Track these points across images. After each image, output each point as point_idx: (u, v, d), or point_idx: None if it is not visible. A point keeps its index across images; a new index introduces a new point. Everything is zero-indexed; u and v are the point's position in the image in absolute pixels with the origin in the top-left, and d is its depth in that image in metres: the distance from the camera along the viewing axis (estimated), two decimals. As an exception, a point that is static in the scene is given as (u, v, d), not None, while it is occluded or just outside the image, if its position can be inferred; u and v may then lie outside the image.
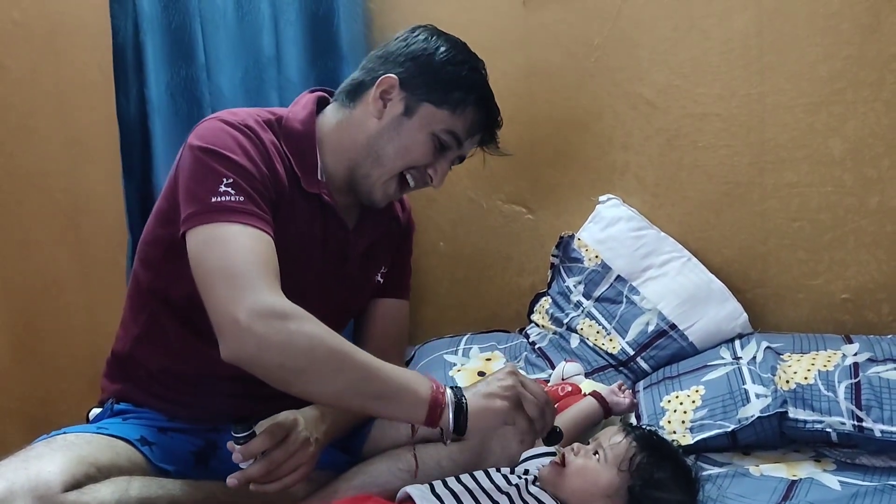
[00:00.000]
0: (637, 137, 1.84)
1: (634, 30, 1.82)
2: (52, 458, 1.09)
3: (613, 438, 1.20)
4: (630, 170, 1.86)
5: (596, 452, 1.19)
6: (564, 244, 1.86)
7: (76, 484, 1.07)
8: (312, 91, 1.40)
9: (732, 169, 1.78)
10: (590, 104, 1.87)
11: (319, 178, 1.31)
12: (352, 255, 1.37)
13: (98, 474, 1.11)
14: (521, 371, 1.17)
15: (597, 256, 1.80)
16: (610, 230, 1.81)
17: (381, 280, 1.46)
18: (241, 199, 1.17)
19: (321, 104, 1.37)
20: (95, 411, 1.38)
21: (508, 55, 1.91)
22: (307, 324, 1.09)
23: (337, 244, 1.35)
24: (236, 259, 1.12)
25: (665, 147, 1.82)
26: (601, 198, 1.86)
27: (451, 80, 1.29)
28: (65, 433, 1.22)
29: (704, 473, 1.34)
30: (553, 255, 1.89)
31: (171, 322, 1.31)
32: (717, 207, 1.81)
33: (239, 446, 1.10)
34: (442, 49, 1.31)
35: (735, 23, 1.75)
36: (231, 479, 1.11)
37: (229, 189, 1.17)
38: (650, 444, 1.20)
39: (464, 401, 1.10)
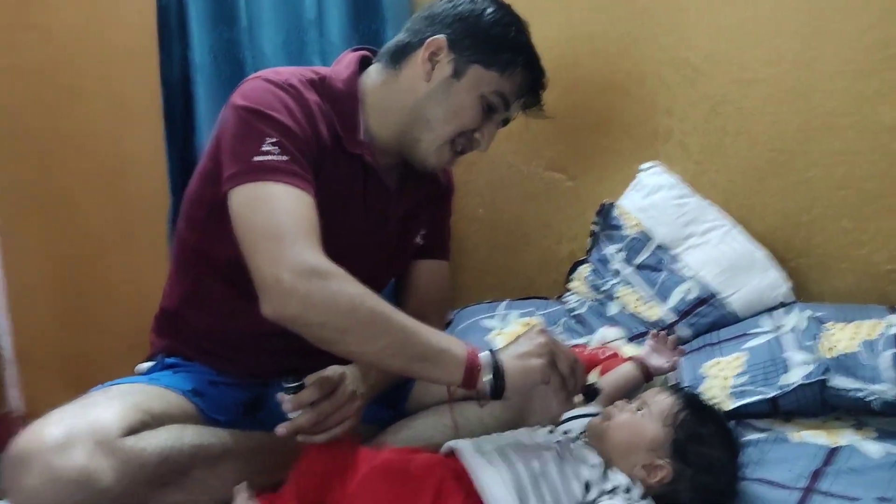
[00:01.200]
0: (681, 103, 1.82)
1: (683, -8, 1.79)
2: (109, 405, 1.12)
3: (658, 395, 1.22)
4: (673, 136, 1.84)
5: (640, 409, 1.21)
6: (605, 212, 1.86)
7: (132, 430, 1.10)
8: (355, 50, 1.39)
9: (778, 136, 1.76)
10: (633, 69, 1.85)
11: (361, 138, 1.31)
12: (392, 216, 1.38)
13: (153, 422, 1.15)
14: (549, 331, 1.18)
15: (638, 224, 1.79)
16: (652, 198, 1.80)
17: (421, 241, 1.47)
18: (285, 158, 1.17)
19: (364, 64, 1.37)
20: (143, 366, 1.41)
21: (550, 18, 1.89)
22: (349, 284, 1.10)
23: (378, 205, 1.35)
24: (279, 219, 1.13)
25: (710, 113, 1.80)
26: (643, 165, 1.84)
27: (499, 41, 1.29)
28: (118, 383, 1.25)
29: (745, 438, 1.34)
30: (593, 223, 1.88)
31: (215, 282, 1.33)
32: (761, 175, 1.79)
33: (288, 397, 1.13)
34: (489, 10, 1.30)
35: (784, -13, 1.72)
36: (280, 428, 1.13)
37: (272, 148, 1.17)
38: (694, 402, 1.22)
39: (500, 363, 1.11)
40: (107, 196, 2.39)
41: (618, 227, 1.82)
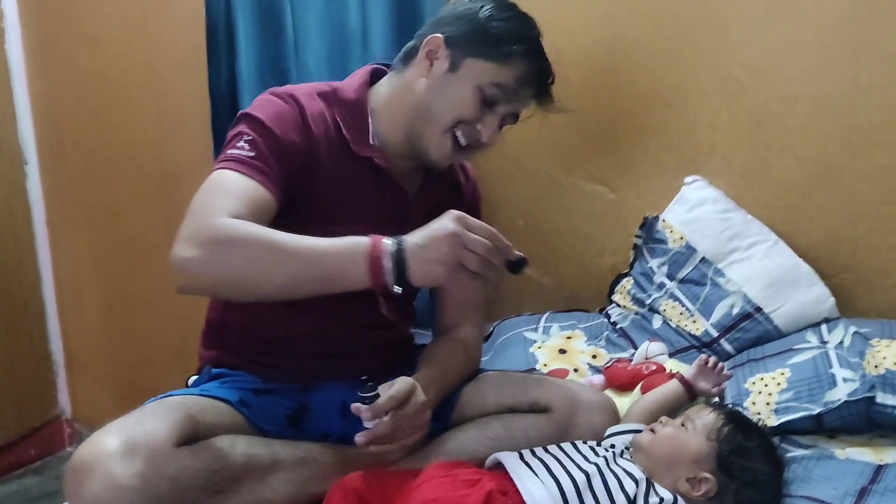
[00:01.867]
0: (724, 117, 1.82)
1: (725, 8, 1.78)
2: (164, 415, 1.15)
3: (702, 412, 1.23)
4: (716, 150, 1.84)
5: (683, 424, 1.22)
6: (648, 225, 1.86)
7: (186, 440, 1.13)
8: (372, 65, 1.46)
9: (823, 151, 1.75)
10: (676, 82, 1.85)
11: (371, 142, 1.36)
12: (412, 220, 1.38)
13: (205, 432, 1.18)
14: (462, 217, 1.11)
15: (682, 238, 1.79)
16: (695, 212, 1.79)
17: None
18: (251, 154, 1.24)
19: (378, 76, 1.43)
20: (193, 378, 1.45)
21: (593, 30, 1.91)
22: (241, 231, 1.14)
23: (395, 208, 1.38)
24: (211, 199, 1.20)
25: (753, 128, 1.80)
26: (687, 179, 1.84)
27: (496, 33, 1.31)
28: (171, 395, 1.29)
29: (789, 455, 1.34)
30: (636, 236, 1.88)
31: None
32: (805, 190, 1.78)
33: (365, 406, 1.14)
34: (486, 7, 1.34)
35: (829, 1, 1.71)
36: (360, 437, 1.15)
37: (245, 144, 1.25)
38: (738, 417, 1.23)
39: (404, 255, 1.10)
40: (154, 205, 2.44)
41: (661, 241, 1.82)
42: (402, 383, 1.19)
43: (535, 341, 1.78)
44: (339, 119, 1.35)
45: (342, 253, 1.13)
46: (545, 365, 1.68)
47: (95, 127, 2.50)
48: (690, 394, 1.41)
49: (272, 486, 1.19)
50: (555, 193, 2.02)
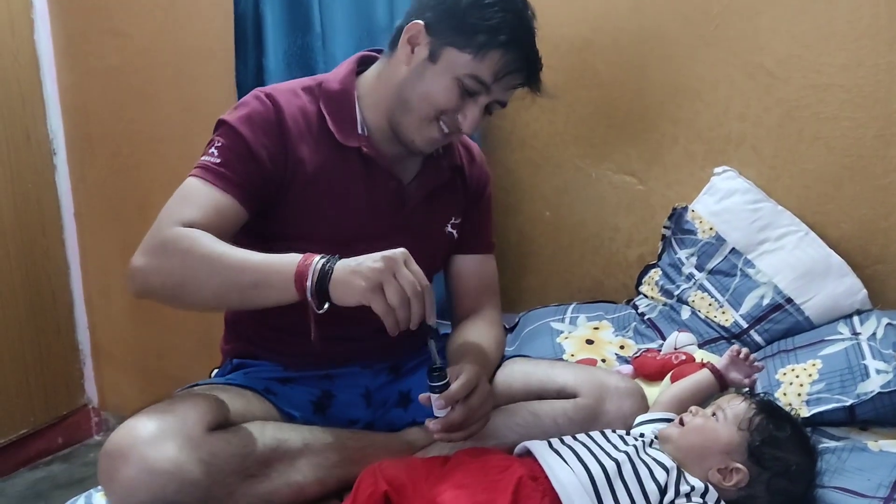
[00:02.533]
0: (755, 108, 1.81)
1: (757, -1, 1.78)
2: (194, 403, 1.16)
3: (733, 401, 1.21)
4: (747, 141, 1.83)
5: (714, 413, 1.20)
6: (677, 216, 1.84)
7: (217, 426, 1.14)
8: (362, 52, 1.44)
9: (856, 141, 1.73)
10: (705, 73, 1.84)
11: (360, 132, 1.34)
12: (410, 202, 1.39)
13: (235, 418, 1.20)
14: (409, 257, 1.12)
15: (711, 229, 1.78)
16: (725, 202, 1.78)
17: (456, 234, 1.47)
18: (218, 160, 1.25)
19: (368, 63, 1.41)
20: (216, 371, 1.47)
21: (621, 22, 1.90)
22: (184, 241, 1.16)
23: (387, 194, 1.37)
24: (171, 207, 1.22)
25: (784, 118, 1.78)
26: (716, 169, 1.83)
27: (475, 23, 1.26)
28: (199, 385, 1.30)
29: (821, 446, 1.32)
30: (665, 227, 1.87)
31: None
32: (837, 181, 1.76)
33: (436, 395, 1.15)
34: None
35: (862, -10, 1.69)
36: (433, 425, 1.17)
37: (214, 151, 1.26)
38: (769, 406, 1.21)
39: (330, 270, 1.10)
40: (180, 198, 2.45)
41: (690, 232, 1.81)
42: (469, 372, 1.20)
43: (561, 332, 1.77)
44: (324, 111, 1.33)
45: (273, 265, 1.14)
46: (572, 355, 1.68)
47: (123, 120, 2.52)
48: (721, 384, 1.39)
49: (302, 471, 1.20)
50: (582, 184, 2.01)
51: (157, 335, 2.63)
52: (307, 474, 1.20)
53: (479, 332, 1.43)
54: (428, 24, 1.29)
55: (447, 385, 1.15)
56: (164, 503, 1.06)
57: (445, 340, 1.45)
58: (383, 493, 1.13)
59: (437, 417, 1.17)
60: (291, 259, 1.12)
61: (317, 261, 1.11)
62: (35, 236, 2.51)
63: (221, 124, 1.29)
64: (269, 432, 1.20)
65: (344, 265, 1.10)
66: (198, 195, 1.23)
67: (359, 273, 1.08)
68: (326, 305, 1.10)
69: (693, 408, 1.24)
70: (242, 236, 1.30)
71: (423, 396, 1.17)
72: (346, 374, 1.41)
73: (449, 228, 1.47)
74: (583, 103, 1.96)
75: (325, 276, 1.10)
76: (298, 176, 1.30)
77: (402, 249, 1.11)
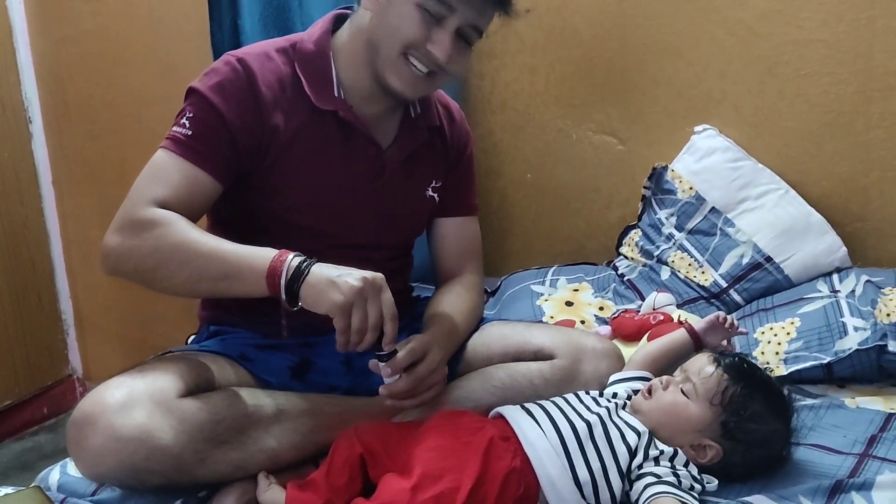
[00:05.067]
0: (735, 65, 1.78)
1: (735, -47, 1.75)
2: (165, 369, 1.15)
3: (704, 371, 1.16)
4: (727, 99, 1.81)
5: (684, 384, 1.16)
6: (657, 176, 1.83)
7: (189, 392, 1.13)
8: (336, 10, 1.39)
9: (837, 98, 1.71)
10: (685, 30, 1.82)
11: (336, 94, 1.31)
12: (388, 167, 1.36)
13: (208, 385, 1.18)
14: (384, 284, 1.12)
15: (691, 188, 1.77)
16: (705, 161, 1.77)
17: (437, 197, 1.45)
18: (189, 133, 1.22)
19: (343, 21, 1.36)
20: (192, 338, 1.45)
21: (601, -22, 1.87)
22: (160, 227, 1.15)
23: (366, 159, 1.34)
24: (140, 183, 1.21)
25: (765, 75, 1.76)
26: (697, 128, 1.81)
27: None
28: (171, 352, 1.29)
29: (799, 404, 1.32)
30: (645, 187, 1.86)
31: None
32: (817, 138, 1.75)
33: (384, 364, 1.16)
34: None
35: (844, -57, 1.67)
36: (382, 389, 1.18)
37: (186, 122, 1.23)
38: (742, 374, 1.15)
39: (306, 271, 1.09)
40: (159, 164, 2.42)
41: (670, 192, 1.80)
42: (417, 341, 1.20)
43: (542, 294, 1.76)
44: (300, 73, 1.29)
45: (246, 259, 1.13)
46: (552, 317, 1.67)
47: (99, 85, 2.48)
48: (697, 345, 1.37)
49: (277, 437, 1.19)
50: (563, 146, 1.99)
51: (140, 304, 2.61)
52: (282, 440, 1.19)
53: (452, 299, 1.42)
54: None
55: (394, 353, 1.15)
56: (134, 470, 1.05)
57: (425, 305, 1.45)
58: (359, 455, 1.13)
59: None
60: (265, 254, 1.12)
61: (290, 259, 1.10)
62: (13, 206, 2.48)
63: (192, 93, 1.25)
64: (242, 398, 1.18)
65: (322, 273, 1.09)
66: (170, 170, 1.20)
67: (336, 287, 1.07)
68: (300, 305, 1.11)
69: (663, 378, 1.19)
70: (221, 205, 1.29)
71: (372, 363, 1.17)
72: (326, 342, 1.39)
73: (430, 192, 1.45)
74: (563, 63, 1.94)
75: (298, 276, 1.09)
76: (273, 145, 1.27)
77: (380, 275, 1.11)
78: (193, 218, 1.21)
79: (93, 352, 2.71)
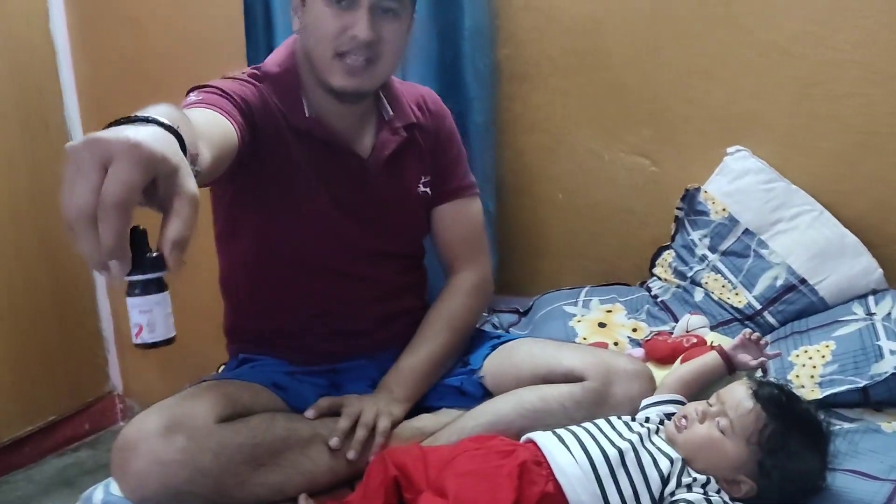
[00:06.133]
0: (768, 86, 1.78)
1: (767, -25, 1.74)
2: (203, 396, 1.18)
3: (741, 406, 1.13)
4: (760, 120, 1.80)
5: (718, 416, 1.14)
6: (690, 197, 1.83)
7: (227, 418, 1.16)
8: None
9: (871, 118, 1.70)
10: (717, 52, 1.82)
11: (307, 115, 1.33)
12: (371, 175, 1.38)
13: (244, 411, 1.21)
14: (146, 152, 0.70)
15: (724, 209, 1.76)
16: (738, 182, 1.76)
17: (429, 190, 1.47)
18: (202, 96, 1.17)
19: None
20: (223, 367, 1.50)
21: (631, 3, 1.87)
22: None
23: (348, 172, 1.37)
24: None
25: (798, 96, 1.76)
26: (729, 149, 1.81)
27: None
28: (207, 380, 1.32)
29: (834, 428, 1.31)
30: (678, 208, 1.86)
31: (244, 269, 1.43)
32: (852, 159, 1.73)
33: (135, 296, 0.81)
34: None
35: (877, -36, 1.66)
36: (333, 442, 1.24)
37: (191, 97, 1.19)
38: (780, 409, 1.13)
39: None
40: (195, 183, 2.47)
41: (703, 213, 1.79)
42: (344, 416, 1.27)
43: (574, 315, 1.77)
44: (274, 97, 1.31)
45: None
46: (584, 339, 1.68)
47: (138, 105, 2.49)
48: (729, 367, 1.36)
49: (312, 458, 1.21)
50: (595, 167, 2.00)
51: (179, 323, 2.64)
52: (318, 462, 1.22)
53: (436, 319, 1.45)
54: None
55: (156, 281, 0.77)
56: (176, 493, 1.08)
57: None
58: (393, 478, 1.15)
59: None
60: None
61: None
62: (55, 226, 2.53)
63: (198, 87, 1.23)
64: (278, 422, 1.21)
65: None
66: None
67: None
68: None
69: (696, 409, 1.17)
70: (224, 231, 1.36)
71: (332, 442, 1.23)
72: (352, 368, 1.42)
73: (421, 188, 1.46)
74: (594, 85, 1.95)
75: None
76: (264, 162, 1.28)
77: (146, 137, 0.70)
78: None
79: (132, 369, 2.76)
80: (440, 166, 1.48)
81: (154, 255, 0.75)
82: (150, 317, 0.78)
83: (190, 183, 0.72)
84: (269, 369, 1.38)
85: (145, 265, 0.75)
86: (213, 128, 1.07)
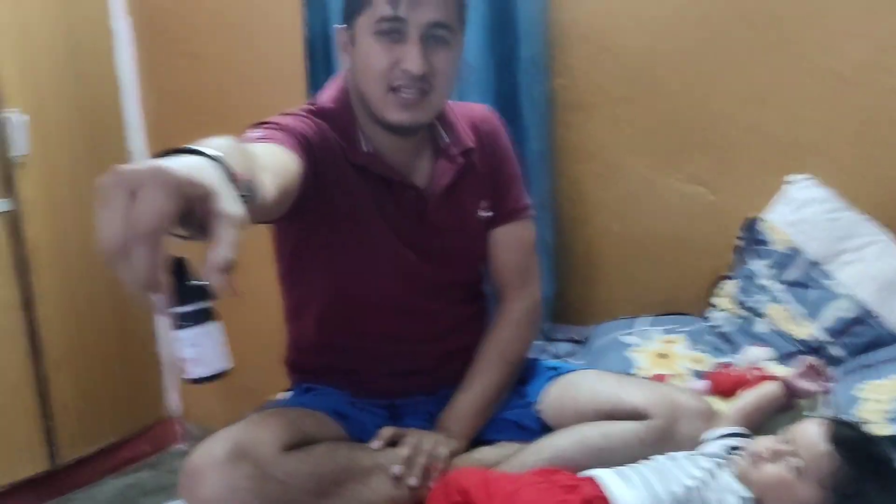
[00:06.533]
0: (830, 114, 1.75)
1: (825, 3, 1.71)
2: (268, 423, 1.20)
3: (814, 448, 1.11)
4: (822, 148, 1.77)
5: (791, 455, 1.12)
6: (750, 226, 1.80)
7: (291, 446, 1.18)
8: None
9: (939, 147, 1.67)
10: (775, 79, 1.79)
11: (364, 149, 1.33)
12: (430, 205, 1.38)
13: (308, 439, 1.23)
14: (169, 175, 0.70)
15: (787, 239, 1.73)
16: (801, 212, 1.73)
17: (489, 213, 1.46)
18: (264, 132, 1.19)
19: None
20: (285, 394, 1.51)
21: (684, 30, 1.87)
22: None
23: (406, 204, 1.37)
24: None
25: (862, 124, 1.72)
26: (791, 178, 1.78)
27: None
28: (271, 407, 1.35)
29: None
30: (738, 238, 1.83)
31: (313, 301, 1.44)
32: (921, 188, 1.70)
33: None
34: None
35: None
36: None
37: (254, 130, 1.20)
38: (854, 451, 1.10)
39: None
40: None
41: (765, 242, 1.76)
42: (406, 445, 1.29)
43: (633, 345, 1.75)
44: (332, 132, 1.32)
45: None
46: (644, 370, 1.66)
47: (201, 137, 2.59)
48: (791, 397, 1.34)
49: (373, 488, 1.23)
50: (651, 196, 1.98)
51: (236, 348, 2.69)
52: (379, 492, 1.23)
53: (489, 358, 1.45)
54: (343, 20, 1.32)
55: (204, 311, 0.76)
56: (243, 519, 1.10)
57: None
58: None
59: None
60: None
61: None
62: (119, 253, 2.62)
63: (259, 124, 1.24)
64: (341, 452, 1.23)
65: None
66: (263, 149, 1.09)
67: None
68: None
69: (766, 446, 1.15)
70: (288, 268, 1.38)
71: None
72: (411, 403, 1.43)
73: (482, 213, 1.45)
74: (649, 113, 1.94)
75: None
76: (325, 197, 1.30)
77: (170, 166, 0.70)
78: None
79: (191, 392, 2.81)
80: (497, 185, 1.47)
81: (198, 284, 0.72)
82: (198, 350, 0.75)
83: (231, 205, 0.71)
84: (331, 398, 1.39)
85: (189, 295, 0.72)
86: (277, 162, 1.08)
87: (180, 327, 0.73)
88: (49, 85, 2.39)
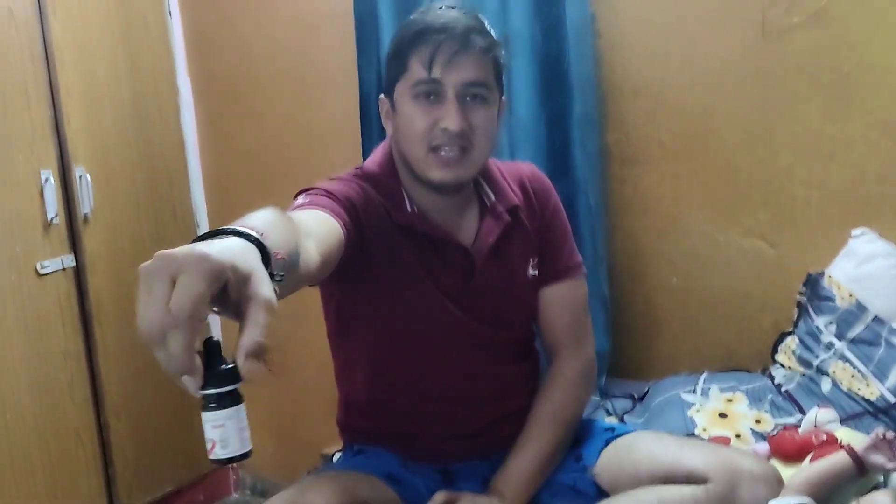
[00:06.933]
0: (894, 169, 1.71)
1: (890, 55, 1.69)
2: (322, 488, 1.20)
3: None
4: (887, 202, 1.72)
5: None
6: (813, 281, 1.76)
7: None
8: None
9: None
10: (837, 133, 1.76)
11: (410, 210, 1.35)
12: (477, 263, 1.38)
13: (361, 503, 1.22)
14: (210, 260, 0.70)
15: (851, 295, 1.68)
16: (865, 267, 1.68)
17: (536, 271, 1.46)
18: (309, 198, 1.21)
19: None
20: (338, 455, 1.51)
21: (743, 87, 1.85)
22: None
23: (452, 263, 1.37)
24: None
25: (928, 177, 1.69)
26: (855, 232, 1.74)
27: (393, 51, 1.34)
28: (325, 470, 1.35)
29: None
30: (800, 293, 1.78)
31: (360, 361, 1.46)
32: None
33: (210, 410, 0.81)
34: (393, 38, 1.37)
35: None
36: None
37: (300, 199, 1.23)
38: None
39: None
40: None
41: (828, 298, 1.72)
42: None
43: (693, 404, 1.71)
44: (378, 195, 1.34)
45: None
46: (704, 430, 1.62)
47: (260, 195, 2.65)
48: (860, 468, 1.29)
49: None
50: (710, 250, 1.95)
51: (290, 398, 2.71)
52: (435, 557, 1.22)
53: (540, 419, 1.43)
54: (384, 91, 1.37)
55: (231, 393, 0.76)
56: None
57: None
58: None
59: None
60: None
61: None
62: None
63: (307, 190, 1.28)
64: (394, 517, 1.22)
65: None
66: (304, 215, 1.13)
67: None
68: None
69: None
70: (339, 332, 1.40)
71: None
72: (464, 468, 1.42)
73: (531, 271, 1.45)
74: (706, 168, 1.92)
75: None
76: (371, 258, 1.31)
77: (212, 253, 0.70)
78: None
79: (246, 444, 2.83)
80: (547, 244, 1.47)
81: (228, 366, 0.73)
82: (222, 432, 0.76)
83: (264, 289, 0.72)
84: (383, 461, 1.39)
85: (218, 379, 0.74)
86: (321, 227, 1.11)
87: (207, 409, 0.75)
88: (115, 143, 2.49)
